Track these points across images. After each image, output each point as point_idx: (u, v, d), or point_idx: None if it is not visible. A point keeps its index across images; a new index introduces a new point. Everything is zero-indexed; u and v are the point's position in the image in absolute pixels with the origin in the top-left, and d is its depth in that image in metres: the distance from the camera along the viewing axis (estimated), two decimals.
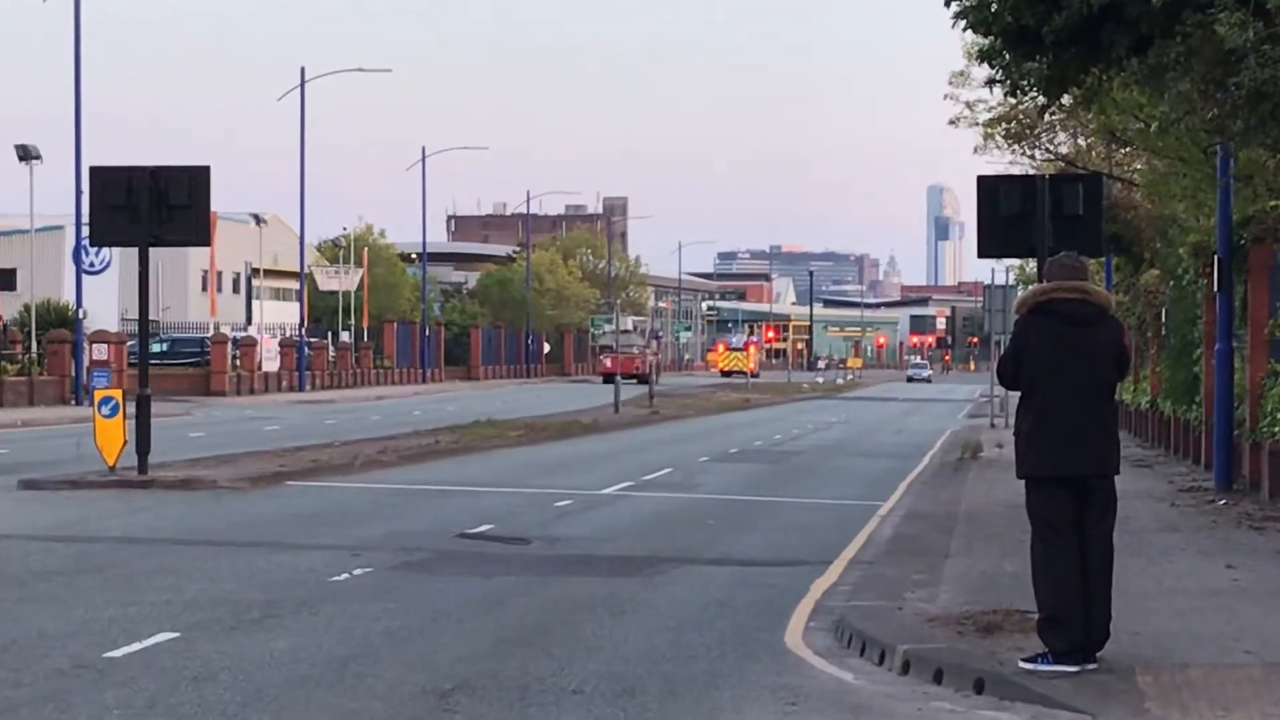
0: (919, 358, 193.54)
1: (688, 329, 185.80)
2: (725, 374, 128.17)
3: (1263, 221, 25.29)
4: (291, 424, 51.38)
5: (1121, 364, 12.22)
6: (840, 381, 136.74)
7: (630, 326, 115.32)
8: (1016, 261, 68.87)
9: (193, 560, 18.57)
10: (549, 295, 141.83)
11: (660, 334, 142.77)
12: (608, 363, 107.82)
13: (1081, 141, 40.85)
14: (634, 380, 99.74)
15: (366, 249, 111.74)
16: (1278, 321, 24.51)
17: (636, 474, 32.37)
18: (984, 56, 18.98)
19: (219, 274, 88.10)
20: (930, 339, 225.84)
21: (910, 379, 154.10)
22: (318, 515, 24.09)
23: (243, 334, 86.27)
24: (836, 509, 26.29)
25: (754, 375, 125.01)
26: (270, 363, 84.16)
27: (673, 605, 15.82)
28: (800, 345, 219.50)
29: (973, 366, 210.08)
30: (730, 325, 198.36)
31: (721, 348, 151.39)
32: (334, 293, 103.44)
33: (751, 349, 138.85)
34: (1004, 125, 38.36)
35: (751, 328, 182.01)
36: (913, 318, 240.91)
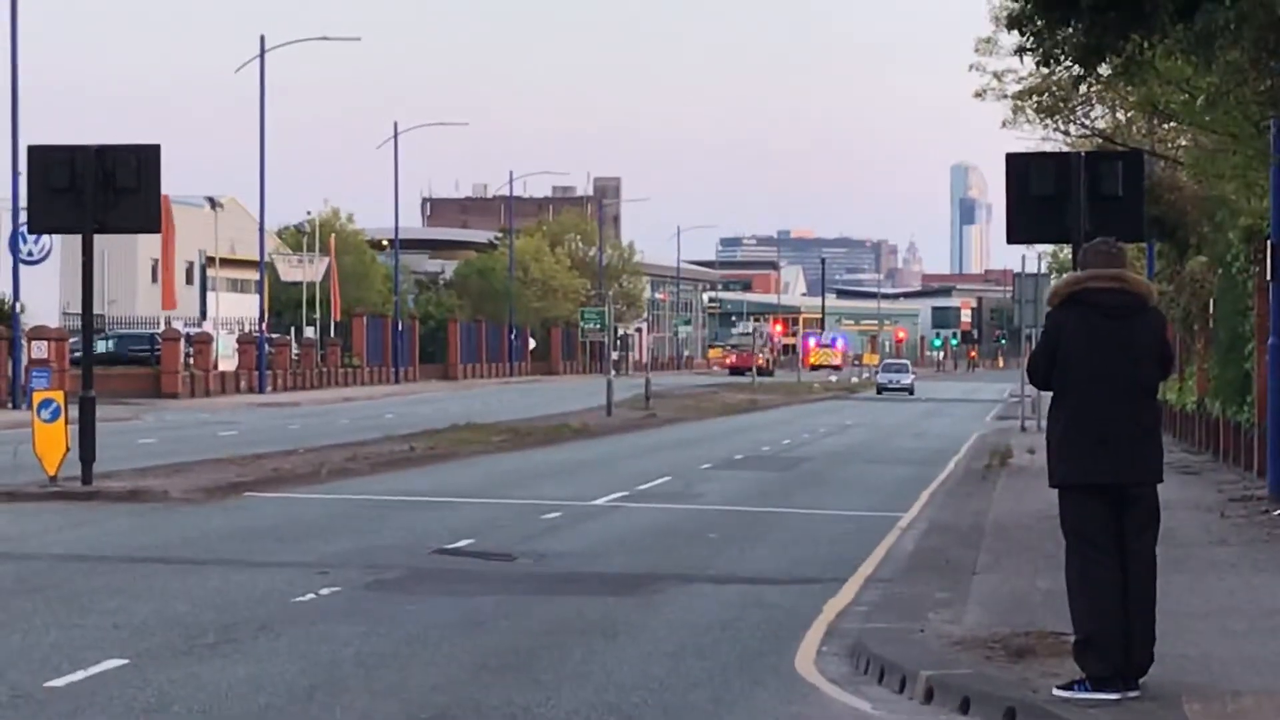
0: (899, 358, 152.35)
1: (687, 323, 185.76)
2: (814, 368, 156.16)
3: None
4: (251, 428, 51.39)
5: (1164, 361, 12.22)
6: (855, 380, 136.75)
7: (750, 330, 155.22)
8: (1049, 247, 68.81)
9: (142, 579, 18.58)
10: (534, 286, 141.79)
11: (769, 335, 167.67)
12: (733, 358, 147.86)
13: (1121, 116, 40.82)
14: (752, 372, 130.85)
15: (333, 235, 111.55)
16: None
17: (631, 483, 32.39)
18: (1014, 22, 18.90)
19: (171, 263, 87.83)
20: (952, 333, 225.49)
21: (881, 389, 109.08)
22: (280, 529, 24.09)
23: (197, 329, 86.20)
24: (852, 521, 26.32)
25: (840, 369, 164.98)
26: (227, 361, 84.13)
27: (671, 628, 15.83)
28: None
29: (1001, 363, 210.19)
30: (734, 318, 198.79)
31: (812, 343, 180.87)
32: (297, 284, 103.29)
33: (839, 343, 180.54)
34: (1035, 98, 38.29)
35: (756, 320, 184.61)
36: (935, 309, 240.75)
